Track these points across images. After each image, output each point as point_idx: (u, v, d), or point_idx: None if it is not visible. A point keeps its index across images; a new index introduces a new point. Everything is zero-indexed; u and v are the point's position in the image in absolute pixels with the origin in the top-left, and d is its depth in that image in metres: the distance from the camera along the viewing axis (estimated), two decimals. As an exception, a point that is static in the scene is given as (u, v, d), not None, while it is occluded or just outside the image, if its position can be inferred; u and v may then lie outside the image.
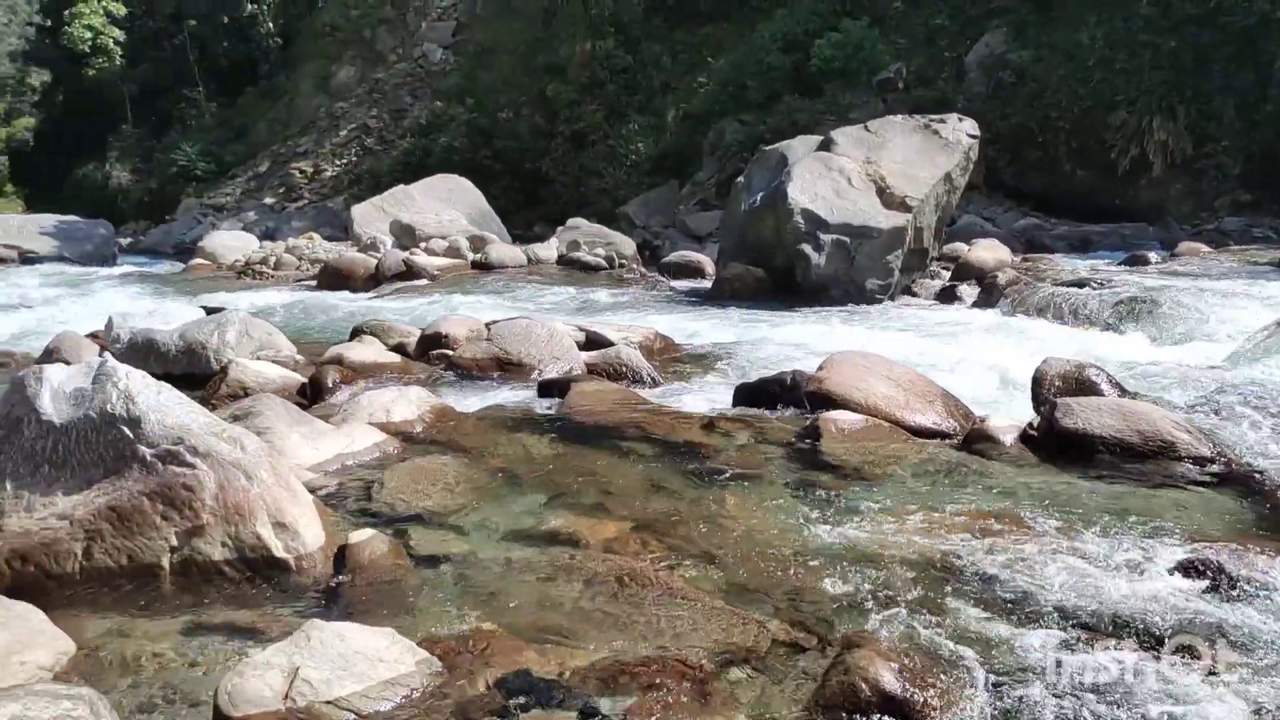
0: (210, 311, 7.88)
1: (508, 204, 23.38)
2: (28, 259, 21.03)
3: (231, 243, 19.76)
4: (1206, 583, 2.89)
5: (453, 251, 14.92)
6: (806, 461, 4.22)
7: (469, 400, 5.55)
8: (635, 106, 24.62)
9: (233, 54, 43.42)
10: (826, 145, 11.34)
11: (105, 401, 3.14)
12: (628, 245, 15.72)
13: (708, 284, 12.13)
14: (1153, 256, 12.00)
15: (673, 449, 4.41)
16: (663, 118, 24.13)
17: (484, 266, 14.25)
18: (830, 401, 4.78)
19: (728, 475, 4.03)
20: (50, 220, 24.29)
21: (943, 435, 4.62)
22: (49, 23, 54.75)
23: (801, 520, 3.51)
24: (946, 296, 10.43)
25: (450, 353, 6.60)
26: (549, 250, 15.27)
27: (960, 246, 12.50)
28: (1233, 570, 2.94)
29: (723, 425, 4.78)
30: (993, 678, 2.39)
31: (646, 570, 3.02)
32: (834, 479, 3.96)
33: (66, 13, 45.82)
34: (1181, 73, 16.91)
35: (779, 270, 10.78)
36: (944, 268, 11.85)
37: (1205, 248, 12.72)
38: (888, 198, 10.48)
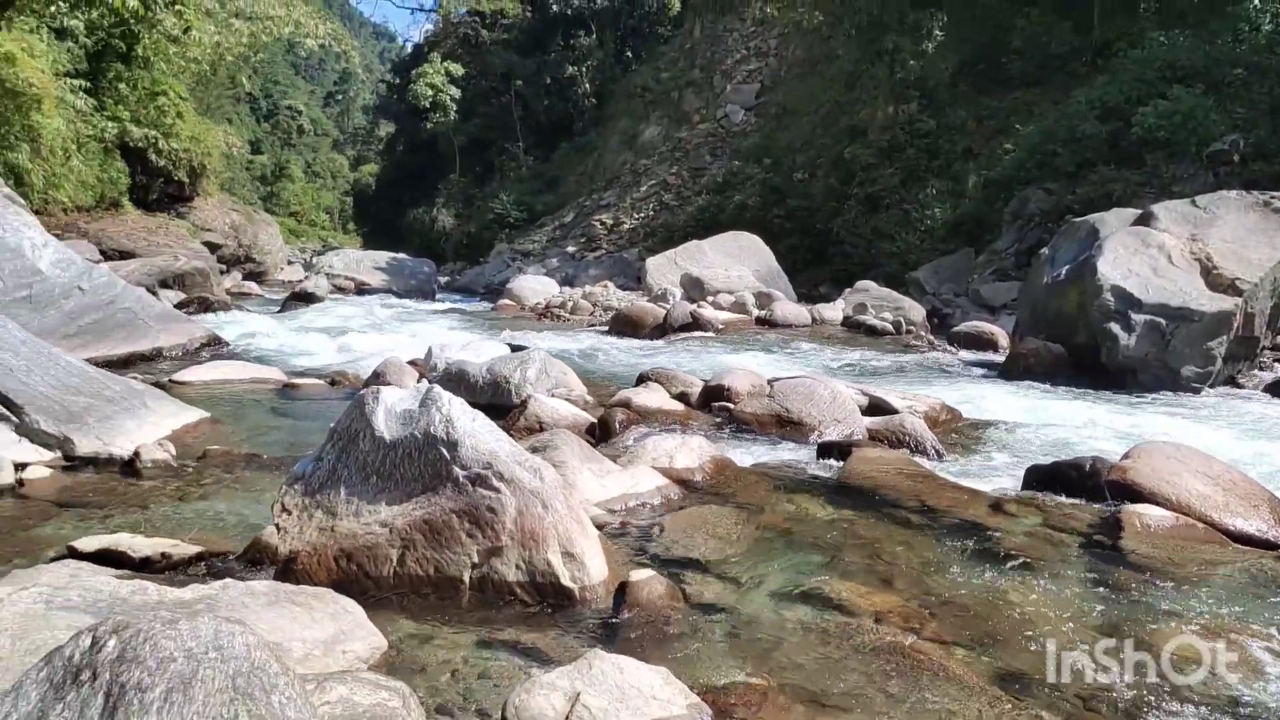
0: (514, 349, 8.47)
1: (795, 263, 23.54)
2: (362, 290, 23.49)
3: (535, 286, 21.17)
4: None
5: (739, 306, 15.20)
6: (1103, 556, 3.93)
7: (748, 454, 5.62)
8: (934, 171, 24.11)
9: (551, 112, 46.81)
10: (1145, 219, 10.59)
11: (430, 424, 3.47)
12: (916, 311, 15.36)
13: (1000, 357, 11.61)
14: None
15: (955, 526, 4.25)
16: (962, 183, 23.46)
17: (768, 323, 14.39)
18: (1134, 494, 4.43)
19: (1013, 560, 3.83)
20: (384, 257, 27.06)
21: (1269, 545, 4.16)
22: (398, 80, 61.41)
23: (1096, 617, 3.28)
24: (1278, 390, 9.39)
25: (731, 406, 6.72)
26: (834, 311, 15.21)
27: (1298, 337, 11.23)
28: None
29: (1010, 507, 4.56)
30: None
31: (920, 647, 2.93)
32: (1134, 578, 3.66)
33: (413, 72, 51.08)
34: None
35: (1080, 348, 10.15)
36: (1278, 359, 10.68)
37: None
38: (1214, 279, 9.62)
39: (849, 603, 3.28)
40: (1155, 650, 3.01)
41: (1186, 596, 3.51)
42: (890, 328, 13.97)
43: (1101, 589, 3.56)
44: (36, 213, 15.68)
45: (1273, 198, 10.53)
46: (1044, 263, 11.52)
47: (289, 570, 3.27)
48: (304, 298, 18.31)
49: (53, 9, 16.97)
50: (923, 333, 14.24)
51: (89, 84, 21.63)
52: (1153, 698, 2.71)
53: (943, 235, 22.46)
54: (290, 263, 33.58)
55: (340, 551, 3.29)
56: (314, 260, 35.09)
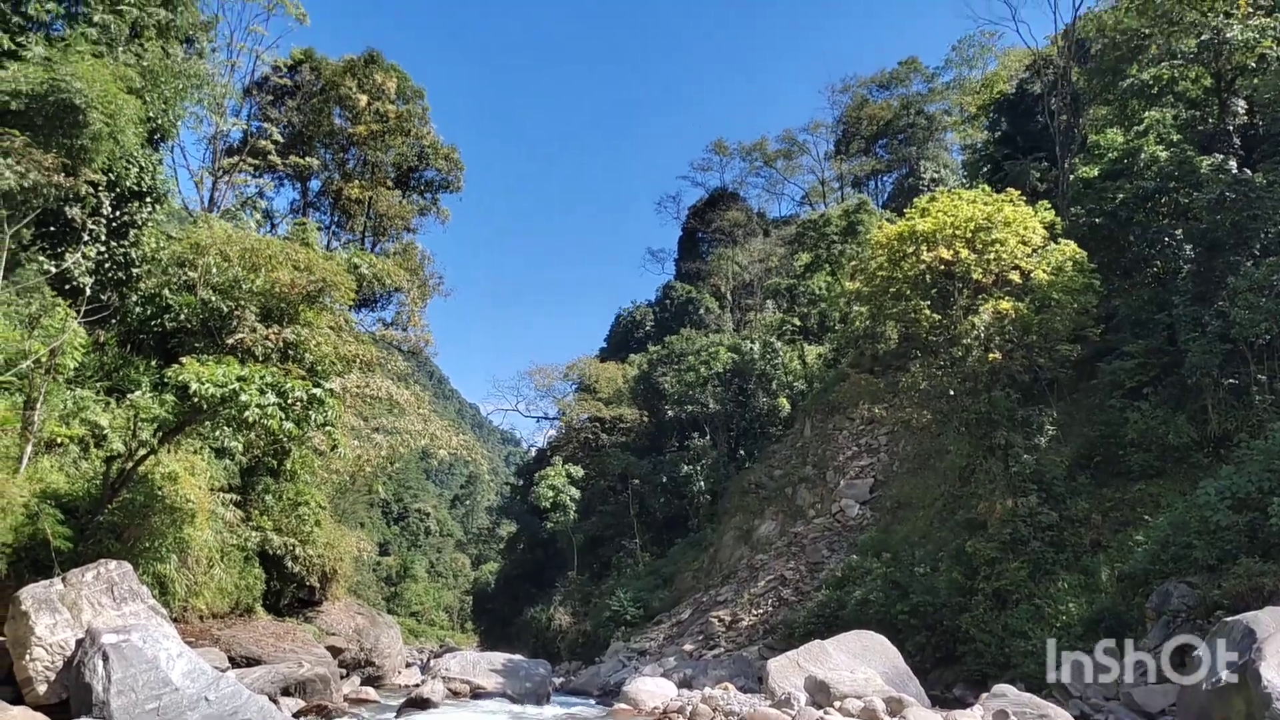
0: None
1: (924, 662, 22.46)
2: (477, 694, 23.10)
3: (652, 688, 20.53)
4: None
5: (868, 714, 14.38)
6: None
7: None
8: (1062, 564, 23.34)
9: (667, 509, 47.98)
10: (1303, 619, 9.94)
11: None
12: (1064, 718, 14.21)
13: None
14: None
15: None
16: (1094, 576, 22.54)
17: (902, 733, 13.48)
18: None
19: None
20: (499, 659, 26.85)
21: None
22: (521, 483, 64.41)
23: None
24: None
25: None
26: (971, 718, 14.20)
27: None
28: None
29: None
30: None
31: None
32: None
33: (536, 475, 53.63)
34: None
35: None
36: None
37: None
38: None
39: None
40: None
41: None
42: (1038, 739, 12.91)
43: None
44: (175, 620, 16.35)
45: None
46: (1199, 664, 10.75)
47: None
48: (419, 703, 18.10)
49: (217, 432, 18.69)
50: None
51: (239, 497, 23.22)
52: None
53: (1080, 633, 21.26)
54: (409, 665, 33.49)
55: None
56: (431, 662, 34.95)
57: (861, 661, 18.56)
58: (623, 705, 19.67)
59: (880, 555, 29.96)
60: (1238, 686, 9.64)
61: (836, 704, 15.24)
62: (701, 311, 68.83)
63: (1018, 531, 24.12)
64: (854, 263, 37.05)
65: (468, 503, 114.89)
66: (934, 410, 28.70)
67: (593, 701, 24.81)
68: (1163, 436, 23.56)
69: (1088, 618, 21.52)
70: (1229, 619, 11.17)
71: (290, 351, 23.33)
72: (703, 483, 47.22)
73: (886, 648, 19.64)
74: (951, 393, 26.83)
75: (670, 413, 50.70)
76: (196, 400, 15.43)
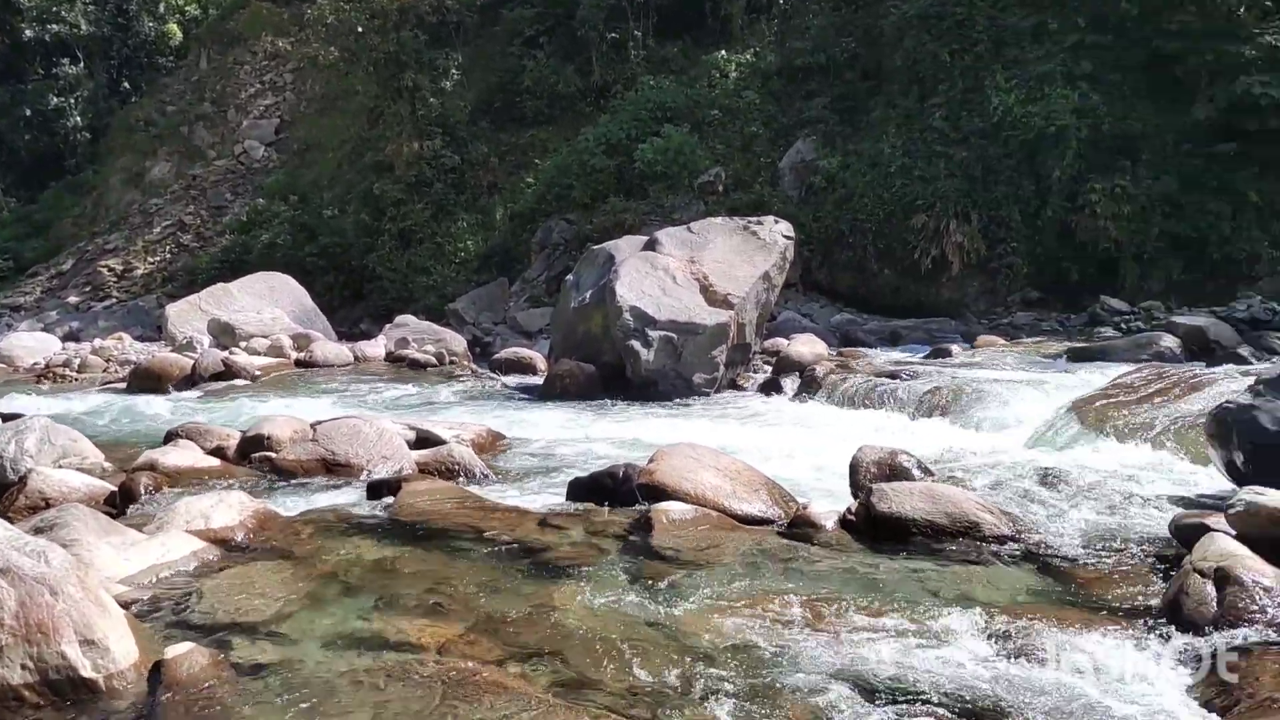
0: (7, 418, 7.38)
1: (333, 301, 23.00)
2: None
3: (30, 344, 18.51)
4: (1005, 652, 3.10)
5: (275, 350, 14.49)
6: (639, 553, 4.29)
7: (294, 504, 5.39)
8: (463, 205, 24.83)
9: (35, 147, 41.27)
10: (652, 245, 11.72)
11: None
12: (458, 342, 15.66)
13: (539, 380, 12.19)
14: (955, 349, 12.84)
15: (507, 546, 4.40)
16: (490, 216, 24.41)
17: (309, 365, 13.87)
18: (661, 493, 4.89)
19: (562, 570, 4.05)
20: None
21: (768, 522, 4.80)
22: None
23: (635, 612, 3.57)
24: (769, 389, 10.84)
25: (273, 455, 6.39)
26: (376, 348, 15.04)
27: (781, 341, 13.05)
28: (1025, 640, 3.18)
29: (556, 520, 4.81)
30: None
31: (480, 670, 2.99)
32: (666, 569, 4.04)
33: None
34: (973, 181, 18.42)
35: (609, 366, 10.98)
36: (766, 362, 12.32)
37: (1001, 340, 13.74)
38: (711, 295, 10.89)
39: (407, 639, 3.26)
40: (692, 631, 3.34)
41: (709, 578, 3.94)
42: (434, 360, 14.10)
43: (638, 584, 3.88)
44: None
45: (749, 222, 12.15)
46: (569, 288, 12.32)
47: None
48: None
49: None
50: (465, 362, 14.55)
51: None
52: (691, 664, 3.00)
53: (476, 267, 23.20)
54: None
55: None
56: None
57: (268, 303, 18.43)
58: (-6, 364, 17.60)
59: (288, 198, 29.25)
60: (599, 304, 11.22)
61: (243, 344, 15.11)
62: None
63: (423, 174, 24.92)
64: None
65: None
66: (342, 48, 27.59)
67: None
68: (554, 85, 25.25)
69: (483, 254, 23.45)
70: (595, 247, 12.81)
71: None
72: (79, 118, 41.12)
73: (294, 288, 19.64)
74: (360, 30, 25.89)
75: (29, 32, 42.49)
76: None
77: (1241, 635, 3.15)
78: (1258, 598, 3.30)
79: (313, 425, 6.83)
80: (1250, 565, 3.44)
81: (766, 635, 3.30)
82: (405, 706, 2.77)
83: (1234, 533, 3.77)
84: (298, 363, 14.08)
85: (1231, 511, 3.88)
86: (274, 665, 3.09)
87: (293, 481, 6.05)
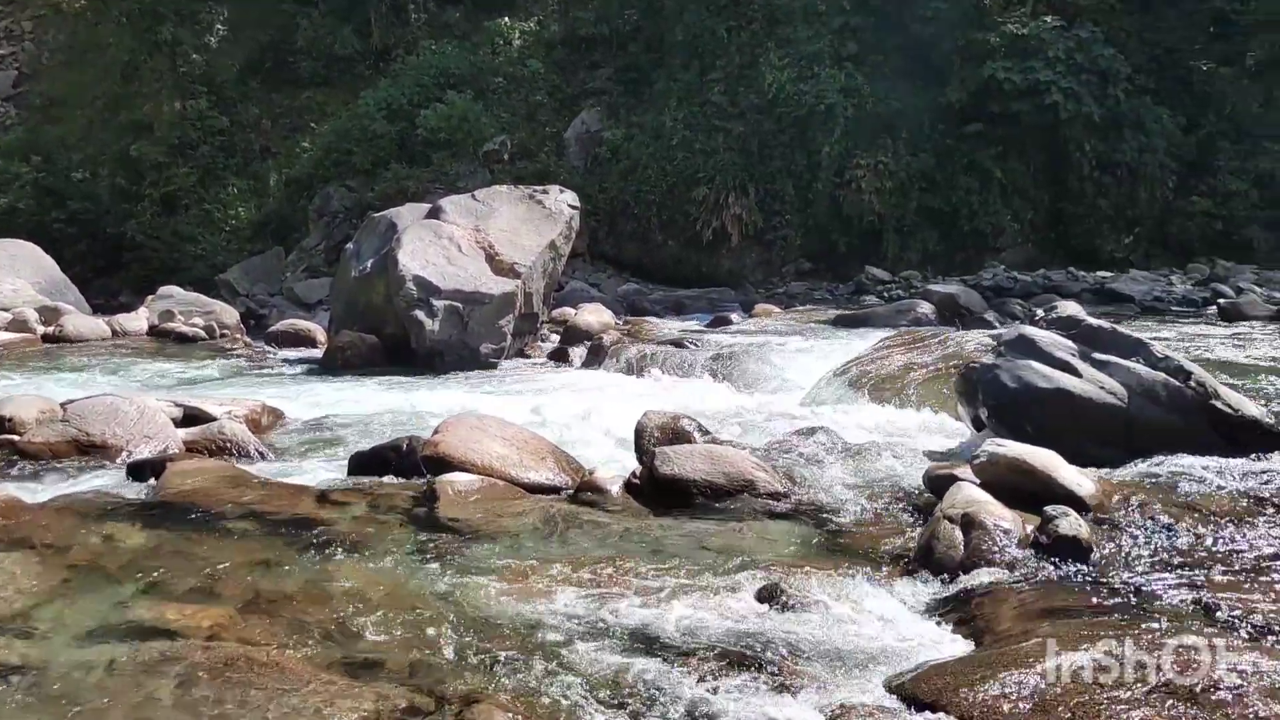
0: None
1: (85, 272, 21.22)
2: None
3: None
4: (778, 603, 3.28)
5: (18, 325, 13.24)
6: (424, 526, 4.22)
7: (41, 490, 4.96)
8: (233, 169, 23.45)
9: None
10: (436, 213, 11.47)
11: None
12: (230, 314, 14.80)
13: (319, 353, 11.75)
14: (734, 317, 13.32)
15: (283, 525, 4.22)
16: (264, 182, 23.17)
17: (59, 340, 12.77)
18: (446, 464, 4.83)
19: (343, 547, 3.93)
20: None
21: (555, 490, 4.83)
22: None
23: (419, 586, 3.52)
24: (557, 358, 10.90)
25: (16, 438, 5.84)
26: (138, 321, 14.02)
27: (568, 311, 13.12)
28: (797, 591, 3.36)
29: (336, 496, 4.67)
30: (609, 713, 2.54)
31: (255, 654, 2.87)
32: (451, 541, 4.00)
33: None
34: (750, 155, 19.10)
35: (392, 337, 10.70)
36: (554, 331, 12.37)
37: (777, 309, 14.36)
38: (497, 264, 10.79)
39: (171, 627, 3.08)
40: (478, 601, 3.34)
41: (495, 547, 3.94)
42: (203, 333, 13.29)
43: (423, 556, 3.83)
44: None
45: (535, 191, 12.12)
46: (350, 258, 11.88)
47: None
48: None
49: None
50: (238, 335, 13.80)
51: None
52: (477, 635, 3.00)
53: (249, 235, 22.02)
54: None
55: None
56: None
57: (10, 273, 16.76)
58: None
59: (30, 159, 26.65)
60: (380, 273, 10.90)
61: (-21, 319, 13.75)
62: None
63: (187, 135, 23.35)
64: None
65: None
66: (90, -6, 25.40)
67: None
68: (330, 46, 24.18)
69: (257, 221, 22.26)
70: (376, 215, 12.41)
71: None
72: None
73: (40, 258, 17.94)
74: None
75: None
76: None
77: (985, 574, 3.47)
78: (999, 539, 3.64)
79: (63, 405, 6.29)
80: (992, 510, 3.78)
81: (551, 601, 3.34)
82: (173, 697, 2.62)
83: (979, 481, 4.12)
84: (45, 338, 12.92)
85: (976, 462, 4.24)
86: (20, 664, 2.85)
87: (41, 466, 5.57)
